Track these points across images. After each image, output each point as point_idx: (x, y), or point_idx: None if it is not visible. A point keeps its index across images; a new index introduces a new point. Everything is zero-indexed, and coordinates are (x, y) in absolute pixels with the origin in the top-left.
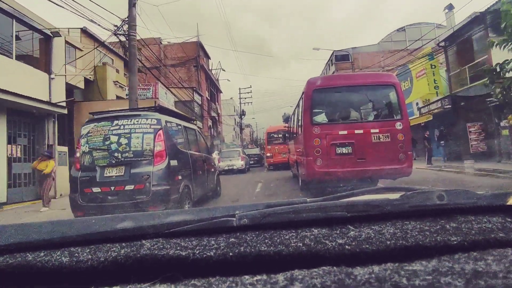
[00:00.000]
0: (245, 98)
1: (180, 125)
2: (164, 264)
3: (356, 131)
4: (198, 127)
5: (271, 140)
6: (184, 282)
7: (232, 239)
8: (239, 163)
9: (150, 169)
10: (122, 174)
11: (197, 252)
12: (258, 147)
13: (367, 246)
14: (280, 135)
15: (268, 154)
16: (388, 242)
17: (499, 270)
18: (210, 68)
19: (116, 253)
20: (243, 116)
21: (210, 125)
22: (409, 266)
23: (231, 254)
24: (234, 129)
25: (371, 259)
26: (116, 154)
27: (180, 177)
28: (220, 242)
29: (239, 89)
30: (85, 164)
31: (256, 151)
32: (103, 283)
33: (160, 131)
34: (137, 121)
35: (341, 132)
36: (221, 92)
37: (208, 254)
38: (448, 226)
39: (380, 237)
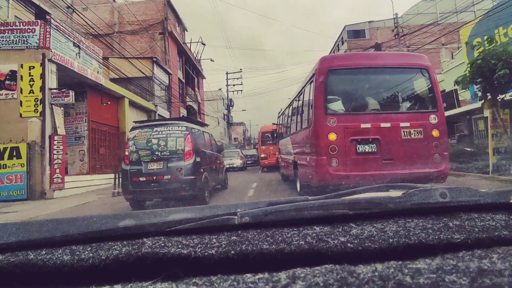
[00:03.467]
0: (234, 85)
1: (200, 130)
2: (165, 262)
3: (382, 125)
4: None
5: (266, 140)
6: (185, 281)
7: (234, 237)
8: (238, 162)
9: (181, 163)
10: (161, 167)
11: (199, 250)
12: (255, 148)
13: (370, 244)
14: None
15: (263, 155)
16: (391, 240)
17: (504, 268)
18: (186, 42)
19: (117, 251)
20: (231, 108)
21: (183, 115)
22: (413, 264)
23: (232, 252)
24: (220, 124)
25: (373, 257)
26: (156, 153)
27: (202, 170)
28: (222, 240)
29: (226, 73)
30: (132, 160)
31: (253, 152)
32: (104, 281)
33: (188, 136)
34: (171, 128)
35: (363, 126)
36: (203, 77)
37: (210, 252)
38: (451, 224)
39: (383, 235)
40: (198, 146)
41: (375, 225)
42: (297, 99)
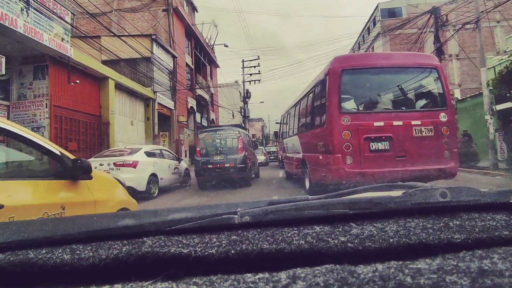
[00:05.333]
0: (251, 74)
1: (245, 133)
2: (165, 262)
3: (395, 123)
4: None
5: None
6: (185, 280)
7: (234, 237)
8: (262, 158)
9: (236, 156)
10: (223, 158)
11: (199, 249)
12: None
13: (370, 244)
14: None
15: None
16: (391, 240)
17: (505, 269)
18: (196, 23)
19: (117, 251)
20: (247, 100)
21: (191, 106)
22: (413, 264)
23: (233, 251)
24: (236, 117)
25: (374, 257)
26: (219, 148)
27: (248, 161)
28: (222, 239)
29: (242, 61)
30: (202, 153)
31: (275, 149)
32: (104, 280)
33: (240, 137)
34: (228, 132)
35: (376, 124)
36: (217, 66)
37: (210, 251)
38: (451, 223)
39: (383, 234)
40: (246, 144)
41: (375, 224)
42: (305, 99)
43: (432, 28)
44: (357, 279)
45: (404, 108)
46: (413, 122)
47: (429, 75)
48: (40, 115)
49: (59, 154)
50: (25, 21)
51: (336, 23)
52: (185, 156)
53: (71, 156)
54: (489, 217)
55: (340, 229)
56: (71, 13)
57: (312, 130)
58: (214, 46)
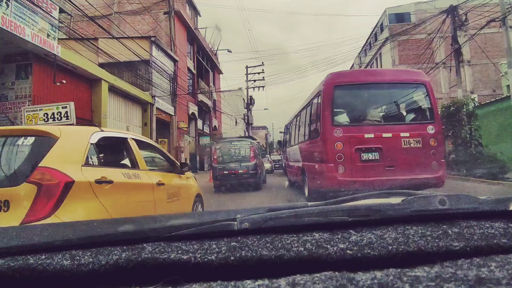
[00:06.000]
0: (255, 80)
1: (255, 143)
2: (165, 268)
3: (384, 135)
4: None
5: None
6: (185, 286)
7: (233, 243)
8: (268, 165)
9: (249, 164)
10: (237, 165)
11: (198, 256)
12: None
13: (369, 251)
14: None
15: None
16: (390, 247)
17: (502, 277)
18: (198, 27)
19: (117, 257)
20: (251, 106)
21: (192, 112)
22: (412, 272)
23: (232, 258)
24: (239, 125)
25: (373, 264)
26: (234, 157)
27: (258, 168)
28: (221, 246)
29: (246, 67)
30: (219, 161)
31: (279, 158)
32: (104, 286)
33: (252, 147)
34: (242, 142)
35: (367, 135)
36: (220, 72)
37: (209, 258)
38: (450, 231)
39: (382, 242)
40: (256, 153)
41: (374, 232)
42: (304, 111)
43: (443, 33)
44: (356, 286)
45: (393, 121)
46: (402, 134)
47: (417, 90)
48: (21, 118)
49: (172, 160)
50: (4, 13)
51: (342, 31)
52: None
53: (178, 162)
54: (487, 225)
55: (339, 236)
56: (68, 13)
57: (310, 141)
58: (217, 51)
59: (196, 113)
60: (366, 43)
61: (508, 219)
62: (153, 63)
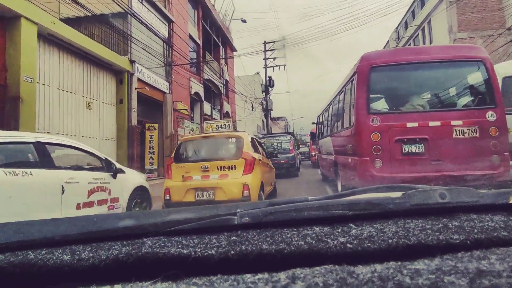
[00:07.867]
0: (274, 58)
1: (294, 138)
2: (165, 262)
3: (431, 123)
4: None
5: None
6: (185, 281)
7: (234, 238)
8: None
9: (289, 155)
10: (280, 156)
11: (199, 250)
12: (307, 146)
13: (369, 244)
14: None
15: (313, 153)
16: (390, 241)
17: (503, 270)
18: None
19: (117, 251)
20: (270, 89)
21: (196, 92)
22: (412, 265)
23: (232, 252)
24: (257, 111)
25: (373, 258)
26: (276, 149)
27: (296, 159)
28: (222, 240)
29: (264, 43)
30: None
31: (306, 150)
32: (104, 281)
33: (291, 141)
34: (283, 137)
35: (409, 125)
36: (234, 49)
37: (210, 252)
38: (450, 224)
39: (382, 235)
40: (294, 147)
41: (374, 225)
42: (337, 98)
43: None
44: (356, 279)
45: (443, 106)
46: (453, 123)
47: (474, 69)
48: None
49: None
50: None
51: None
52: None
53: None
54: (487, 218)
55: (339, 230)
56: None
57: (342, 131)
58: (230, 22)
59: (202, 94)
60: (409, 10)
61: (508, 212)
62: (134, 16)
